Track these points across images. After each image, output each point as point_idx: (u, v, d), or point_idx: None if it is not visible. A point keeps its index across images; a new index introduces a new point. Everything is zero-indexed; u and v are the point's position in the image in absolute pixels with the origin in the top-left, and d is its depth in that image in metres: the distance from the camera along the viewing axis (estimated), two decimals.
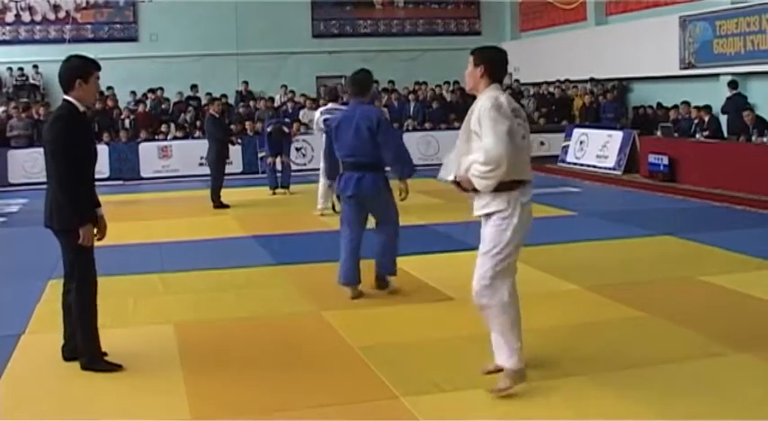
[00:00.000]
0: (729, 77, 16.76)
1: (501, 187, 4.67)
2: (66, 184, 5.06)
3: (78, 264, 5.20)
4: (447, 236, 9.74)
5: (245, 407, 4.63)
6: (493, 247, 4.73)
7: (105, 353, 5.37)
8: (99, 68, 5.31)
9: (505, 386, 4.69)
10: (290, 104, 20.60)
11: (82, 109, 5.22)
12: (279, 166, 14.86)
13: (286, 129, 15.27)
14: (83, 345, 5.25)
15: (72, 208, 5.08)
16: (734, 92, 15.90)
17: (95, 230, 5.26)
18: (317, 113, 12.18)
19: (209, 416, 4.54)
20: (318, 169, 12.23)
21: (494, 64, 4.89)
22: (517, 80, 23.20)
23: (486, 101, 4.70)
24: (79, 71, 5.18)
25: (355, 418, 4.45)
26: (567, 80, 21.20)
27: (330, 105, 12.21)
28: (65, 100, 5.20)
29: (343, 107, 12.73)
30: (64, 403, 4.77)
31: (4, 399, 4.83)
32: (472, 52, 4.95)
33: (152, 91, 21.00)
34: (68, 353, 5.39)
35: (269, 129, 15.24)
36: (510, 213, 4.71)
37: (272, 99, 20.80)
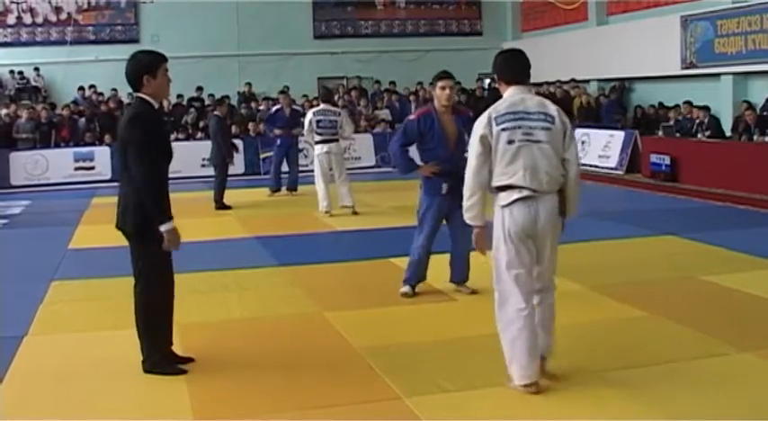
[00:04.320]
0: (731, 77, 16.77)
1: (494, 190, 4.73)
2: (152, 184, 4.94)
3: (148, 267, 5.11)
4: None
5: (248, 408, 4.63)
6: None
7: (192, 359, 5.36)
8: (166, 60, 5.14)
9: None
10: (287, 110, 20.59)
11: (156, 105, 5.12)
12: (285, 168, 14.85)
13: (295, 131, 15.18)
14: (146, 350, 5.19)
15: (156, 207, 4.96)
16: None
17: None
18: (310, 114, 12.25)
19: (211, 417, 4.54)
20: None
21: (498, 68, 4.88)
22: None
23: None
24: (146, 66, 5.03)
25: (358, 419, 4.45)
26: (572, 80, 21.17)
27: (322, 107, 12.28)
28: (138, 97, 5.07)
29: (335, 108, 12.80)
30: (67, 404, 4.77)
31: (7, 401, 4.84)
32: None
33: None
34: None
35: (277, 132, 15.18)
36: (496, 219, 4.72)
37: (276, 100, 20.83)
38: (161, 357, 5.22)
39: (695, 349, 5.44)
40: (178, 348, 5.57)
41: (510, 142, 4.60)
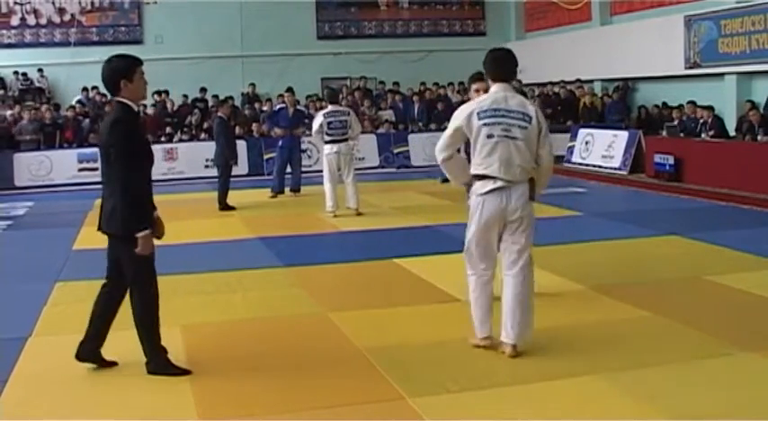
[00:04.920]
0: (735, 77, 16.75)
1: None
2: (130, 189, 4.99)
3: (138, 268, 5.13)
4: (453, 237, 9.71)
5: (252, 408, 4.64)
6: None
7: (116, 363, 5.35)
8: (141, 63, 5.20)
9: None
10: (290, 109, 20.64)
11: (136, 109, 5.18)
12: (288, 169, 14.86)
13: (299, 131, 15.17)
14: (149, 352, 5.21)
15: (133, 214, 5.01)
16: None
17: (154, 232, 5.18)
18: (320, 116, 12.23)
19: (215, 417, 4.55)
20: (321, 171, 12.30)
21: (486, 65, 5.43)
22: (519, 81, 23.13)
23: None
24: (122, 71, 5.07)
25: (362, 419, 4.46)
26: (578, 80, 21.17)
27: (331, 108, 12.27)
28: (117, 102, 5.12)
29: (344, 108, 12.81)
30: (71, 404, 4.78)
31: (11, 401, 4.85)
32: None
33: (158, 93, 20.99)
34: (84, 354, 5.31)
35: (278, 132, 15.16)
36: (473, 204, 5.33)
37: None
38: (164, 358, 5.23)
39: (699, 349, 5.44)
40: (182, 348, 5.58)
41: (489, 136, 5.17)
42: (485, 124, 5.17)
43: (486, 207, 5.23)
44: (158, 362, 5.20)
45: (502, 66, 5.37)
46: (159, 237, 5.26)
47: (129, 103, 5.12)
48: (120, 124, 5.03)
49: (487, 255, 5.39)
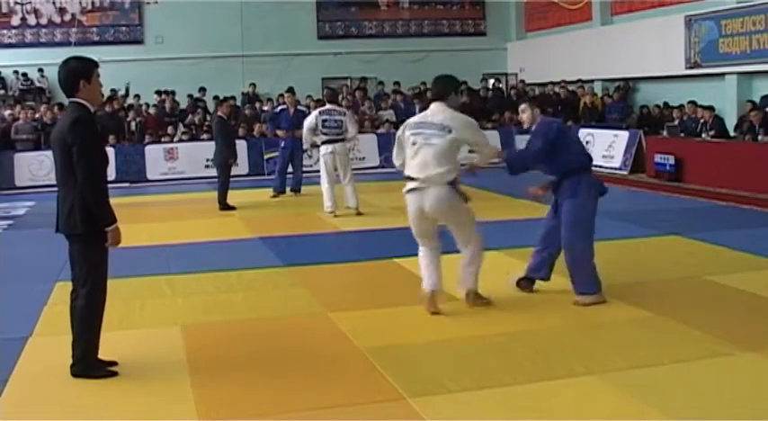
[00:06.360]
0: (735, 77, 16.75)
1: None
2: (95, 185, 5.01)
3: (95, 269, 5.13)
4: (453, 237, 9.70)
5: (252, 408, 4.64)
6: None
7: (116, 362, 5.34)
8: (98, 66, 5.25)
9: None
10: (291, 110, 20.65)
11: (92, 110, 5.19)
12: (289, 169, 14.87)
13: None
14: (82, 351, 5.17)
15: (102, 208, 5.04)
16: None
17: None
18: (314, 112, 12.25)
19: (215, 417, 4.55)
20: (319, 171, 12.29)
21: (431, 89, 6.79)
22: (522, 81, 23.18)
23: None
24: (81, 72, 5.12)
25: (361, 419, 4.46)
26: (579, 80, 21.16)
27: (328, 106, 12.27)
28: (74, 102, 5.13)
29: (341, 108, 12.81)
30: (71, 405, 4.78)
31: (11, 401, 4.85)
32: None
33: (158, 93, 20.99)
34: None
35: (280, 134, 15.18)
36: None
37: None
38: (92, 361, 5.19)
39: (700, 349, 5.44)
40: (182, 348, 5.58)
41: (414, 143, 6.37)
42: (411, 134, 6.41)
43: (409, 204, 6.47)
44: (85, 366, 5.16)
45: (434, 87, 6.70)
46: (115, 245, 5.21)
47: (87, 104, 5.13)
48: (82, 122, 5.04)
49: (423, 236, 6.67)
